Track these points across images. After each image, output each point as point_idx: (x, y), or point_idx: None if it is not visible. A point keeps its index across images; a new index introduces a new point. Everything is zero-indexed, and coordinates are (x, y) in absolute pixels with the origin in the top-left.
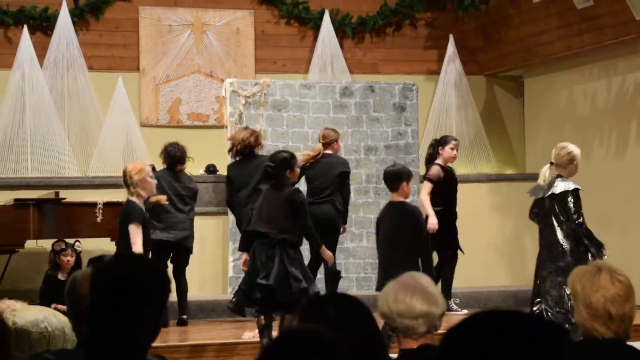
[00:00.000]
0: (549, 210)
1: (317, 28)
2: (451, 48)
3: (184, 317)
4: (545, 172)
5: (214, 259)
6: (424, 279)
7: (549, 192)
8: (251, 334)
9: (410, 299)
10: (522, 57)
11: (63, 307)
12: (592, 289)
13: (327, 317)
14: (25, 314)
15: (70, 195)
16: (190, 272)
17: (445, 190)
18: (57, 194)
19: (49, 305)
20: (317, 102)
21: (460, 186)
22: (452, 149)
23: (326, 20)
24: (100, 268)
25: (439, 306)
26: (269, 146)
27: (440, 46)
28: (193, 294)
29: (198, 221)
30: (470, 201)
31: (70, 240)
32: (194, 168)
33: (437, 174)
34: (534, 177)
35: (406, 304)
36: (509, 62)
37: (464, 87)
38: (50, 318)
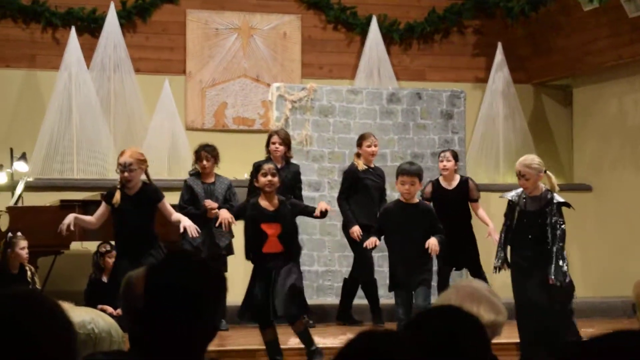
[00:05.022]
0: None
1: (364, 33)
2: (499, 56)
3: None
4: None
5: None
6: (484, 286)
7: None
8: (297, 340)
9: (477, 308)
10: (571, 65)
11: (108, 308)
12: None
13: (436, 332)
14: (72, 315)
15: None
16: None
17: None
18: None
19: (93, 308)
20: (364, 108)
21: None
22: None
23: (374, 25)
24: (154, 269)
25: (504, 314)
26: (314, 152)
27: (489, 54)
28: (230, 299)
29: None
30: None
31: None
32: (239, 173)
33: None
34: (581, 187)
35: (473, 314)
36: (558, 70)
37: (512, 96)
38: (97, 320)
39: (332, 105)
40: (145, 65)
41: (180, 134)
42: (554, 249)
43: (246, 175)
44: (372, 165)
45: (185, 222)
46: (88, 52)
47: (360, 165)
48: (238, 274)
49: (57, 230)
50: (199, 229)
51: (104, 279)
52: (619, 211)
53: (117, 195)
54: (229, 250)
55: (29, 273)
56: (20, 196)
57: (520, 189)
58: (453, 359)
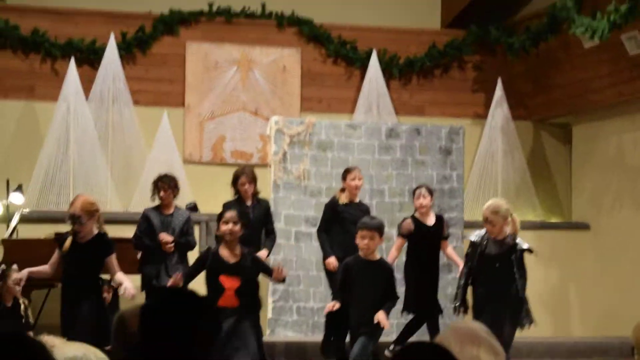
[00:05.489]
0: None
1: (364, 68)
2: (499, 92)
3: None
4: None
5: None
6: (481, 328)
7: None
8: None
9: (477, 351)
10: (572, 102)
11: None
12: None
13: None
14: (65, 350)
15: (111, 231)
16: None
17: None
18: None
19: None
20: (363, 143)
21: None
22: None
23: (373, 60)
24: (149, 307)
25: (502, 356)
26: (312, 186)
27: (488, 89)
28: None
29: None
30: None
31: (106, 276)
32: None
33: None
34: (580, 225)
35: (473, 356)
36: (558, 107)
37: (511, 132)
38: (89, 355)
39: (330, 140)
40: (144, 97)
41: (178, 166)
42: (521, 296)
43: None
44: (357, 200)
45: (126, 283)
46: (87, 84)
47: (342, 199)
48: None
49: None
50: (133, 292)
51: None
52: (618, 250)
53: (67, 243)
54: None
55: (22, 306)
56: (15, 228)
57: (482, 230)
58: None
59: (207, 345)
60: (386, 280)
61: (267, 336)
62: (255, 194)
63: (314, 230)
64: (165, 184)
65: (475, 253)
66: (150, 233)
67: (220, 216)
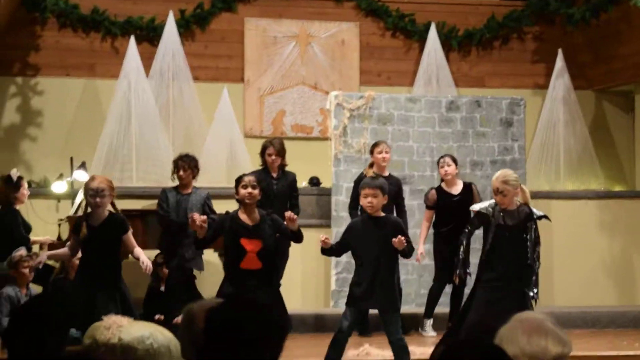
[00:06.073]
0: None
1: (422, 41)
2: (560, 62)
3: None
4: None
5: (317, 272)
6: (547, 318)
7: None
8: (355, 352)
9: (545, 341)
10: (633, 72)
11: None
12: None
13: None
14: (131, 330)
15: None
16: (293, 285)
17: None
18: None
19: (151, 316)
20: (423, 116)
21: (567, 203)
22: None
23: (432, 32)
24: (215, 312)
25: (570, 346)
26: None
27: (549, 60)
28: (296, 308)
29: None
30: (577, 219)
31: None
32: (297, 180)
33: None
34: None
35: (541, 347)
36: (619, 77)
37: (573, 102)
38: (156, 334)
39: (390, 114)
40: (203, 73)
41: (238, 141)
42: (536, 269)
43: (304, 184)
44: (386, 173)
45: (143, 257)
46: (147, 61)
47: (370, 173)
48: None
49: None
50: (151, 267)
51: (162, 288)
52: None
53: (84, 229)
54: (198, 265)
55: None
56: (80, 205)
57: (491, 202)
58: None
59: (271, 353)
60: (395, 232)
61: (331, 307)
62: (282, 166)
63: None
64: (186, 164)
65: (487, 224)
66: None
67: (238, 180)
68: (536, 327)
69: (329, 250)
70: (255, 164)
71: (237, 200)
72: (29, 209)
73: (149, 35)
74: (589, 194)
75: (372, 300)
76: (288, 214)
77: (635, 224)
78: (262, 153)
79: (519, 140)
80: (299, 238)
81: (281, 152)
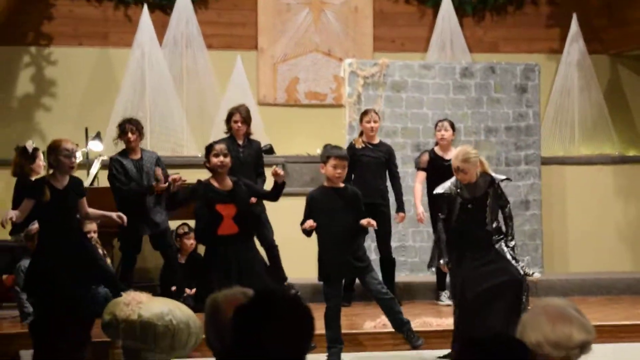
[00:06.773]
0: None
1: (436, 6)
2: (574, 27)
3: None
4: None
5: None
6: (570, 304)
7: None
8: (372, 324)
9: (570, 329)
10: None
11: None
12: None
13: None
14: (151, 307)
15: (189, 176)
16: (301, 255)
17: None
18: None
19: (168, 288)
20: (437, 83)
21: (582, 168)
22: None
23: None
24: (243, 309)
25: (593, 333)
26: (387, 127)
27: (563, 25)
28: (304, 277)
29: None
30: (593, 184)
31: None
32: (310, 147)
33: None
34: None
35: (566, 334)
36: (635, 41)
37: (587, 67)
38: (175, 311)
39: (404, 81)
40: (217, 41)
41: (252, 109)
42: (512, 243)
43: (318, 151)
44: (376, 141)
45: (106, 213)
46: (160, 29)
47: (359, 142)
48: None
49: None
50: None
51: (182, 260)
52: None
53: (47, 192)
54: (166, 225)
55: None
56: (96, 175)
57: (452, 180)
58: None
59: (300, 346)
60: (354, 202)
61: None
62: (247, 134)
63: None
64: (134, 126)
65: (454, 203)
66: (126, 179)
67: (209, 149)
68: (560, 315)
69: (310, 232)
70: (270, 132)
71: (208, 169)
72: None
73: (162, 4)
74: (603, 159)
75: (344, 271)
76: (274, 168)
77: None
78: (228, 120)
79: (533, 107)
80: (277, 195)
81: (247, 120)
